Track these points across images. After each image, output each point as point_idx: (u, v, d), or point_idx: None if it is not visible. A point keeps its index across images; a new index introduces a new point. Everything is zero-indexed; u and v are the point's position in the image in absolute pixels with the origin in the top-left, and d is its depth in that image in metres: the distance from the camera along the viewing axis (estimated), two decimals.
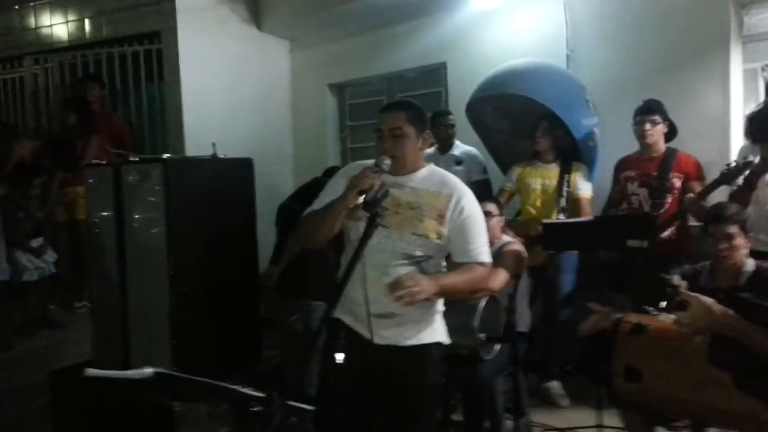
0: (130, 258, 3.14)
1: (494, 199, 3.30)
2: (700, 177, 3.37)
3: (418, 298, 1.90)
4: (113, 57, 5.26)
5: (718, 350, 2.03)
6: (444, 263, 2.17)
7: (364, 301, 2.05)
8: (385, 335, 2.06)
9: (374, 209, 1.86)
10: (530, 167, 3.86)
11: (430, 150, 4.48)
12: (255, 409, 1.58)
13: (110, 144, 4.77)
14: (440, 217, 2.05)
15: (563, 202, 3.67)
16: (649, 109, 3.43)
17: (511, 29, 4.54)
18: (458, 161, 4.27)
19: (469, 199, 2.10)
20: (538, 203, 3.78)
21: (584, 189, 3.74)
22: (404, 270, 2.02)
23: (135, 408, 2.74)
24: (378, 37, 5.23)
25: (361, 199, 1.93)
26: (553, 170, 3.78)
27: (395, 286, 1.90)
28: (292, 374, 3.29)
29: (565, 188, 3.70)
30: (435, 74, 5.17)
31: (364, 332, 2.08)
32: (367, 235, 1.83)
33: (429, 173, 2.15)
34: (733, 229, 2.40)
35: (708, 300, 1.33)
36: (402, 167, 2.10)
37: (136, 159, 3.31)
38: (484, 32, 4.68)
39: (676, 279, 1.40)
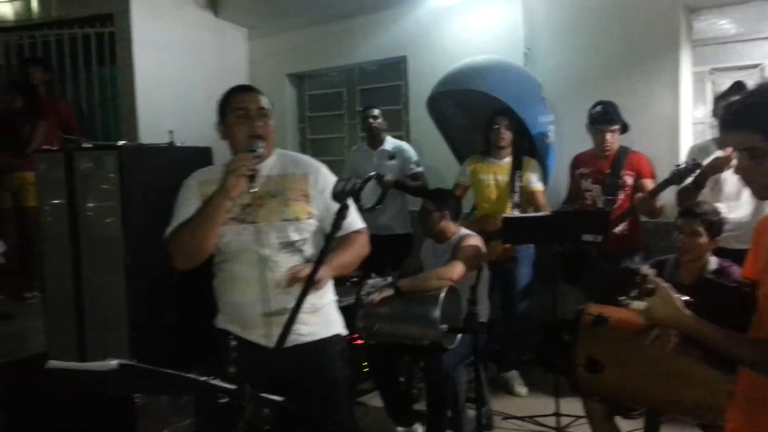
0: (84, 248, 3.03)
1: (433, 195, 3.34)
2: (651, 175, 3.50)
3: (320, 286, 1.87)
4: (63, 39, 5.06)
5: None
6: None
7: (254, 302, 1.98)
8: (273, 337, 1.91)
9: (343, 201, 1.84)
10: (482, 162, 3.92)
11: (358, 146, 4.57)
12: (223, 401, 1.57)
13: (58, 129, 4.61)
14: (305, 197, 2.02)
15: (516, 198, 3.76)
16: (608, 120, 3.47)
17: (471, 26, 4.60)
18: (391, 156, 4.36)
19: (324, 173, 2.08)
20: (492, 198, 3.86)
21: (536, 183, 3.83)
22: (287, 259, 1.97)
23: (93, 400, 2.67)
24: (339, 28, 5.21)
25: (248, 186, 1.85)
26: (504, 165, 3.85)
27: (291, 281, 1.86)
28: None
29: (517, 183, 3.78)
30: (395, 67, 5.19)
31: (259, 338, 1.98)
32: (336, 227, 1.78)
33: (278, 158, 2.09)
34: (700, 227, 2.51)
35: (674, 294, 1.39)
36: (267, 152, 2.03)
37: (90, 145, 3.20)
38: (444, 28, 4.73)
39: (645, 268, 1.46)
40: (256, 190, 1.91)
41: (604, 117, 3.49)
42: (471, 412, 3.08)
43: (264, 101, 2.04)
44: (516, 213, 3.70)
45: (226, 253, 2.04)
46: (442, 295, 2.82)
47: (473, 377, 2.99)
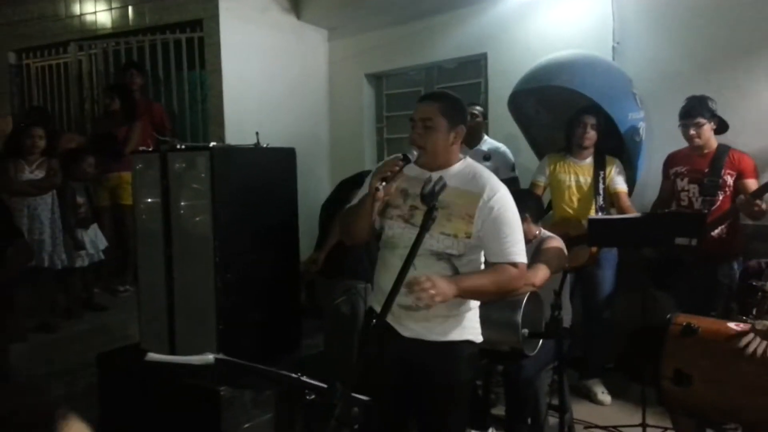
0: (176, 244, 3.17)
1: (524, 196, 3.23)
2: (754, 175, 3.28)
3: (434, 301, 1.86)
4: (156, 44, 5.32)
5: None
6: (483, 260, 2.15)
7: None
8: (411, 327, 2.08)
9: (431, 202, 1.85)
10: (562, 162, 3.76)
11: None
12: (310, 397, 1.60)
13: (152, 131, 4.86)
14: (469, 217, 2.03)
15: (601, 200, 3.60)
16: (690, 114, 3.31)
17: (555, 20, 4.47)
18: (486, 157, 4.20)
19: (500, 197, 2.05)
20: (574, 201, 3.70)
21: (621, 183, 3.66)
22: (435, 265, 2.03)
23: (181, 391, 2.79)
24: (417, 27, 5.20)
25: (387, 187, 1.98)
26: (587, 166, 3.69)
27: (411, 284, 1.88)
28: (337, 359, 3.34)
29: (601, 185, 3.61)
30: (475, 65, 5.12)
31: (394, 323, 2.09)
32: (424, 228, 1.82)
33: (462, 169, 2.11)
34: None
35: None
36: (433, 161, 2.09)
37: (183, 147, 3.35)
38: (527, 23, 4.62)
39: None
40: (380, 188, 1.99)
41: (685, 111, 3.32)
42: (552, 420, 3.00)
43: (431, 111, 2.07)
44: (593, 215, 3.54)
45: (388, 243, 2.16)
46: (524, 300, 2.75)
47: (555, 383, 2.91)
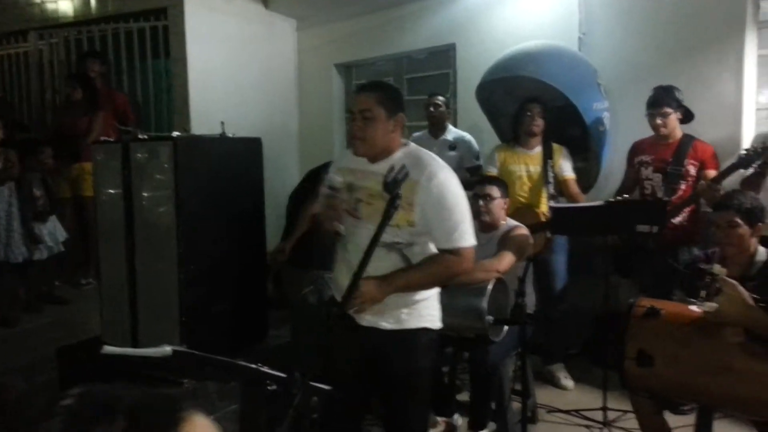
0: (138, 236, 3.13)
1: (497, 181, 3.27)
2: (716, 166, 3.33)
3: (363, 308, 1.94)
4: (119, 33, 5.21)
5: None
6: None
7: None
8: (366, 317, 2.07)
9: (394, 191, 1.84)
10: (511, 153, 3.77)
11: (421, 133, 4.48)
12: (271, 388, 1.59)
13: (114, 120, 4.75)
14: (409, 205, 1.99)
15: (551, 189, 3.64)
16: (657, 103, 3.35)
17: (523, 11, 4.49)
18: (452, 146, 4.23)
19: (439, 181, 2.00)
20: (526, 190, 3.72)
21: (568, 170, 3.70)
22: (386, 257, 2.01)
23: (144, 384, 2.75)
24: (387, 17, 5.17)
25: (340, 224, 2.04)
26: (535, 155, 3.72)
27: (348, 305, 1.92)
28: (303, 348, 3.32)
29: (550, 173, 3.66)
30: (444, 55, 5.12)
31: (352, 313, 2.07)
32: (386, 217, 1.80)
33: (403, 156, 2.07)
34: (735, 217, 2.36)
35: (742, 291, 1.32)
36: (374, 151, 2.06)
37: (145, 137, 3.29)
38: (495, 14, 4.63)
39: (717, 268, 1.40)
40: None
41: (653, 100, 3.37)
42: (516, 405, 3.03)
43: (369, 101, 2.04)
44: (552, 203, 3.58)
45: (342, 238, 2.16)
46: (490, 287, 2.77)
47: (519, 369, 2.95)
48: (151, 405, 0.79)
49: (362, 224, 2.05)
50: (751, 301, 1.32)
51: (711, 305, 1.36)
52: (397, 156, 2.08)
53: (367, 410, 2.22)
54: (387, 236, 2.01)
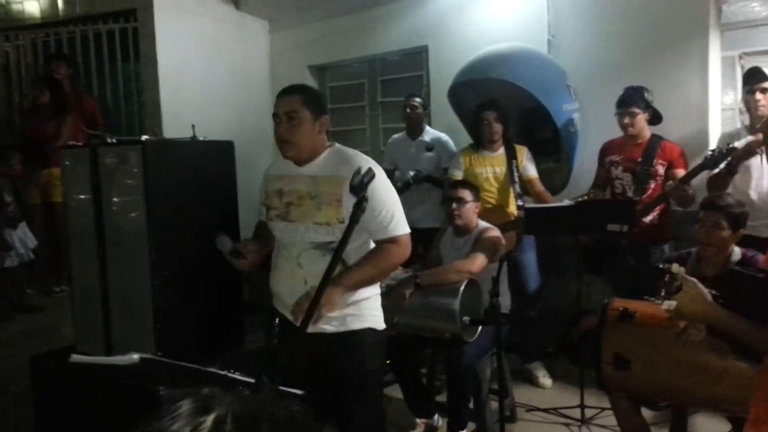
0: (109, 242, 3.08)
1: (468, 185, 3.30)
2: (684, 166, 3.40)
3: (324, 313, 1.93)
4: (87, 35, 5.13)
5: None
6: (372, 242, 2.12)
7: (286, 293, 2.13)
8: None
9: (360, 194, 1.84)
10: (476, 156, 3.80)
11: (400, 135, 4.50)
12: (245, 393, 1.58)
13: (83, 125, 4.68)
14: (338, 202, 2.03)
15: (518, 188, 3.69)
16: (625, 103, 3.41)
17: (493, 13, 4.53)
18: (429, 147, 4.25)
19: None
20: (493, 192, 3.75)
21: (532, 170, 3.76)
22: (320, 259, 2.02)
23: (118, 392, 2.71)
24: (359, 19, 5.18)
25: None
26: (499, 156, 3.76)
27: (296, 312, 1.94)
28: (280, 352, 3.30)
29: (515, 173, 3.70)
30: (416, 57, 5.14)
31: (295, 322, 2.06)
32: (353, 220, 1.81)
33: (328, 156, 2.11)
34: (722, 219, 2.42)
35: (702, 289, 1.35)
36: (300, 153, 2.08)
37: (114, 141, 3.24)
38: (466, 16, 4.66)
39: (675, 267, 1.43)
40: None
41: (621, 100, 3.43)
42: (494, 404, 3.06)
43: (295, 104, 2.05)
44: (520, 203, 3.63)
45: (276, 245, 2.21)
46: (462, 288, 2.79)
47: (496, 369, 2.98)
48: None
49: (294, 226, 2.10)
50: (710, 298, 1.35)
51: (670, 303, 1.40)
52: (323, 156, 2.11)
53: (325, 416, 2.20)
54: (317, 235, 2.06)
